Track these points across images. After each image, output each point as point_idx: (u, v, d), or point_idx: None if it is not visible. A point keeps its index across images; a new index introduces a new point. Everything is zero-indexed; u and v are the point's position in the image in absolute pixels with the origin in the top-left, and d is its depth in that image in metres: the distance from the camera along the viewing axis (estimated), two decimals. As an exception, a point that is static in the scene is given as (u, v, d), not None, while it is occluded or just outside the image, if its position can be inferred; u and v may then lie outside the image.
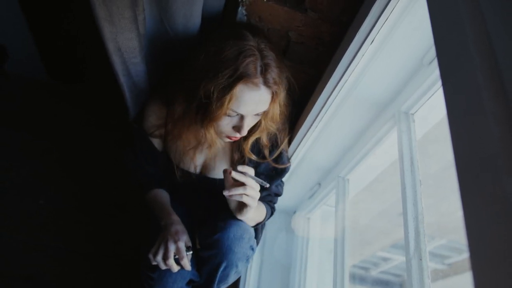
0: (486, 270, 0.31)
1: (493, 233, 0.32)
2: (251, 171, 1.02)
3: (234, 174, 0.98)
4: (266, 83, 0.95)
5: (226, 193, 0.99)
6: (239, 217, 1.10)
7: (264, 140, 1.15)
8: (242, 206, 1.07)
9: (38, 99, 2.03)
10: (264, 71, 0.94)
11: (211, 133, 1.04)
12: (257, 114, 1.03)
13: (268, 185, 1.04)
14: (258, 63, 0.93)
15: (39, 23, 1.92)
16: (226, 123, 1.01)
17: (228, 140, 1.09)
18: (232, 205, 1.10)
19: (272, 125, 1.11)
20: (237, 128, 1.02)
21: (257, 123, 1.09)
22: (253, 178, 1.01)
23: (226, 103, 0.93)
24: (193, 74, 0.97)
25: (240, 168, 0.99)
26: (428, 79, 0.93)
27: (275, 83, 0.97)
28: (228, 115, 0.99)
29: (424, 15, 0.83)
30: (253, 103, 0.97)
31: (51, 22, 1.97)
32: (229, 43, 0.93)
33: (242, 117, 1.00)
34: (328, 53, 1.17)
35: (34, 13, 1.86)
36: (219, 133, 1.06)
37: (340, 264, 1.26)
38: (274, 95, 1.00)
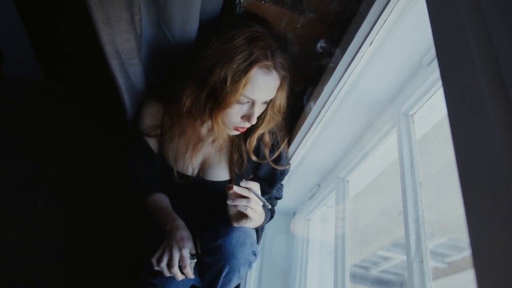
0: (491, 283, 0.30)
1: (497, 242, 0.31)
2: (256, 186, 1.03)
3: (236, 189, 0.99)
4: (276, 67, 0.99)
5: (230, 202, 1.01)
6: (235, 225, 1.10)
7: (267, 138, 1.16)
8: (241, 216, 1.07)
9: (35, 101, 2.01)
10: (274, 55, 0.99)
11: (219, 124, 1.04)
12: (265, 102, 1.05)
13: (270, 206, 1.06)
14: (269, 47, 0.98)
15: (35, 24, 1.90)
16: (236, 112, 1.02)
17: (235, 132, 1.09)
18: (232, 212, 1.10)
19: (277, 116, 1.12)
20: (247, 116, 1.03)
21: (262, 115, 1.10)
22: (257, 196, 1.02)
23: (241, 87, 0.95)
24: (205, 61, 0.98)
25: (243, 184, 1.01)
26: (428, 80, 0.93)
27: (283, 68, 1.01)
28: (240, 102, 1.00)
29: (423, 16, 0.82)
30: (266, 88, 1.00)
31: (47, 23, 1.96)
32: (241, 30, 0.97)
33: (252, 105, 1.02)
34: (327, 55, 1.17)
35: (30, 14, 1.85)
36: (228, 123, 1.06)
37: (341, 264, 1.26)
38: (282, 81, 1.03)
